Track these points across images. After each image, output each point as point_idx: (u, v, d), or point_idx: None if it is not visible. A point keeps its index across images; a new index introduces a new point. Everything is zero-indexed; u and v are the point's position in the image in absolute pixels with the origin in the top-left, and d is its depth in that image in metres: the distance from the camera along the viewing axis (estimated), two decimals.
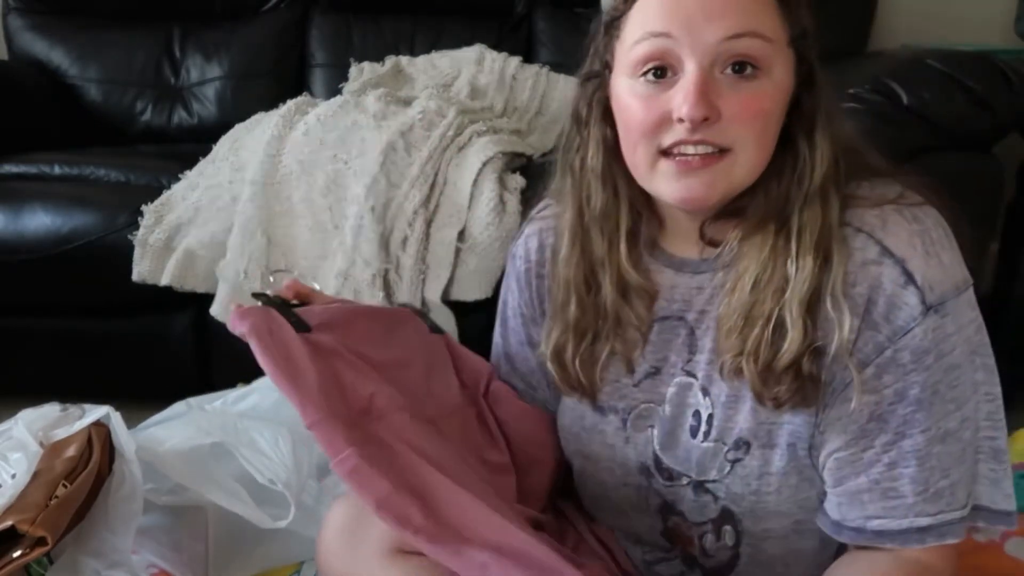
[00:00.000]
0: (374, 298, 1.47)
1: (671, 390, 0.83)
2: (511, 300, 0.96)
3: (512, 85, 2.07)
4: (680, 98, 0.70)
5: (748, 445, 0.78)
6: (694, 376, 0.82)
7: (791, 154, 0.74)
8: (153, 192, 1.66)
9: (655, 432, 0.85)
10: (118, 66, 2.29)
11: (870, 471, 0.74)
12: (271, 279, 1.33)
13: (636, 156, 0.75)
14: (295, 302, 0.87)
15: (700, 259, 0.81)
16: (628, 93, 0.74)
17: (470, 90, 2.00)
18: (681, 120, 0.70)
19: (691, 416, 0.82)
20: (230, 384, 1.37)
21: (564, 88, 2.13)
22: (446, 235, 1.51)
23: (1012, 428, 1.51)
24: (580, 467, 0.92)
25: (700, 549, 0.85)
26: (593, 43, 0.80)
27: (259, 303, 0.83)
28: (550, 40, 2.24)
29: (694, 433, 0.81)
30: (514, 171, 1.64)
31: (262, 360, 0.76)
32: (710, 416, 0.80)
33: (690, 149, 0.71)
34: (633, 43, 0.72)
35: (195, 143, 1.98)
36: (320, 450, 0.83)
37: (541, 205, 0.94)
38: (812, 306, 0.72)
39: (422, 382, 0.89)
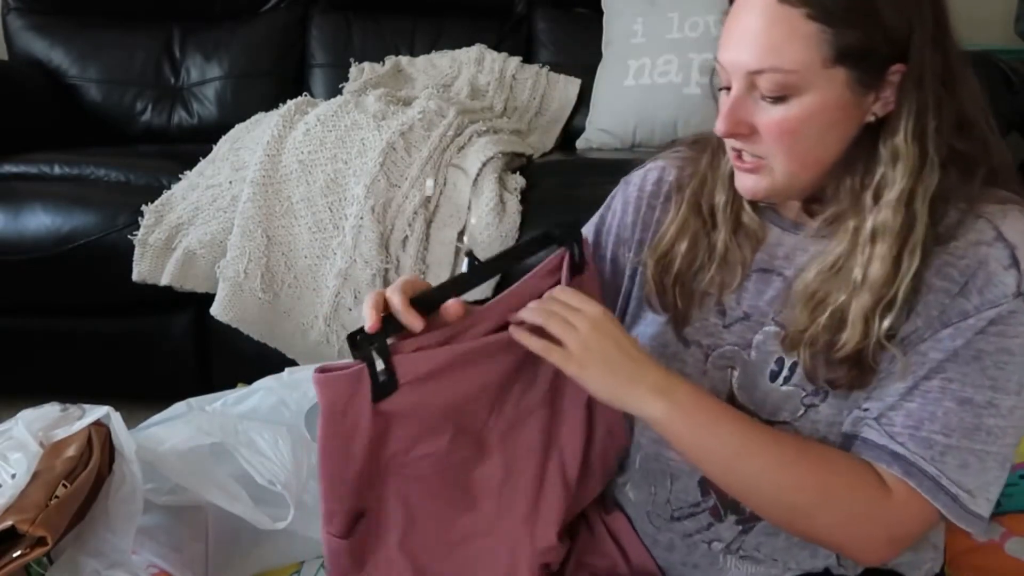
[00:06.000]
0: None
1: (758, 337, 0.87)
2: (610, 218, 0.99)
3: (512, 85, 2.07)
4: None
5: (827, 393, 0.82)
6: (784, 327, 0.85)
7: (866, 155, 0.78)
8: (153, 192, 1.66)
9: (735, 373, 0.88)
10: (118, 66, 2.30)
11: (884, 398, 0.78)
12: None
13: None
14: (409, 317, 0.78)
15: (796, 222, 0.87)
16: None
17: (470, 90, 2.00)
18: None
19: (773, 362, 0.85)
20: (230, 384, 1.37)
21: (564, 88, 2.13)
22: (446, 235, 1.51)
23: None
24: None
25: None
26: None
27: (359, 346, 0.73)
28: (550, 40, 2.23)
29: (773, 378, 0.85)
30: (514, 171, 1.64)
31: (320, 447, 0.75)
32: (794, 364, 0.83)
33: (741, 155, 0.80)
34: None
35: (195, 143, 1.98)
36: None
37: (675, 147, 0.99)
38: (888, 307, 0.76)
39: (509, 386, 0.86)
